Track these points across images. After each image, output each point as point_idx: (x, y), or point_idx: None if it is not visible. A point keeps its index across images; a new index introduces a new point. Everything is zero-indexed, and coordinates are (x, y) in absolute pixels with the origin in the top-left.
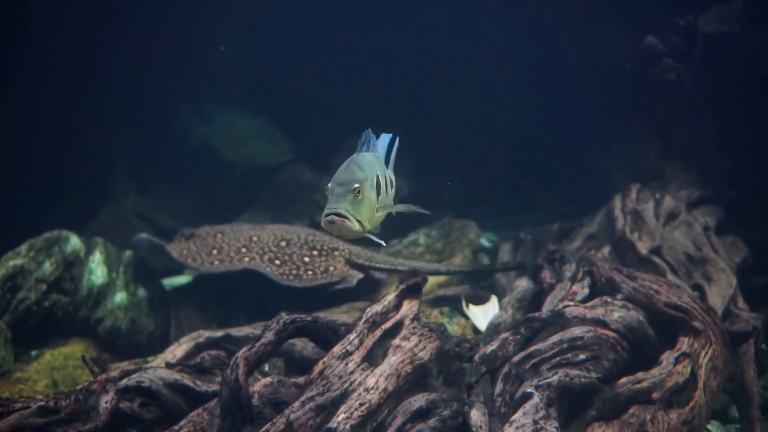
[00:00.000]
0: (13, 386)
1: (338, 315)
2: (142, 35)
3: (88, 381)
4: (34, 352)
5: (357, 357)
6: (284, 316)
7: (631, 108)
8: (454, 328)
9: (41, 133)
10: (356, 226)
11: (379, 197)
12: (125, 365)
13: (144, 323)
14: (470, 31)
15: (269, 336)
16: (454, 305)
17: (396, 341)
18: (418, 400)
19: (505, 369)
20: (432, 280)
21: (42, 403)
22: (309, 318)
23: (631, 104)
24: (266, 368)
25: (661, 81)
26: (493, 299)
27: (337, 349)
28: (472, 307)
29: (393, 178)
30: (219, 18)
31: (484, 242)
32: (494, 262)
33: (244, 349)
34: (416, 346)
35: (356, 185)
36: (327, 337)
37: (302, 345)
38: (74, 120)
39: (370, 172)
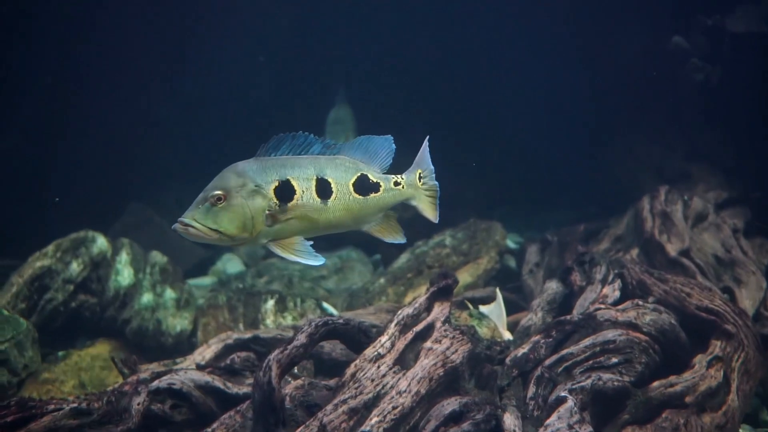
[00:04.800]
0: (41, 387)
1: (365, 316)
2: (166, 41)
3: (119, 382)
4: (60, 353)
5: (389, 360)
6: (316, 318)
7: (656, 108)
8: (483, 330)
9: (66, 133)
10: (208, 235)
11: (296, 202)
12: (154, 366)
13: (170, 324)
14: (490, 31)
15: (301, 338)
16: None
17: (428, 344)
18: (451, 404)
19: (538, 372)
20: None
21: (74, 404)
22: (341, 320)
23: (656, 104)
24: (295, 370)
25: (688, 81)
26: (498, 297)
27: (368, 352)
28: (481, 307)
29: (378, 180)
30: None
31: (510, 243)
32: None
33: (277, 351)
34: (448, 348)
35: (217, 192)
36: (358, 339)
37: (330, 347)
38: (98, 119)
39: (266, 177)
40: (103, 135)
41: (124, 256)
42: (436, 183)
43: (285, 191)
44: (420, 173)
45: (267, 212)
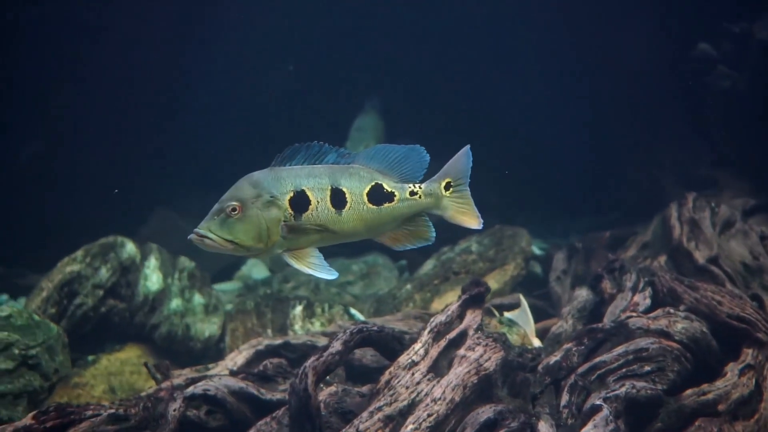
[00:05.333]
0: (71, 391)
1: (394, 323)
2: (193, 47)
3: (150, 387)
4: (90, 357)
5: (423, 367)
6: (350, 326)
7: (682, 115)
8: (513, 337)
9: (92, 139)
10: (223, 245)
11: (311, 213)
12: (187, 372)
13: (199, 329)
14: (515, 38)
15: (337, 346)
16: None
17: (461, 351)
18: (486, 412)
19: (571, 380)
20: None
21: (112, 410)
22: (375, 327)
23: (682, 111)
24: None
25: (715, 88)
26: (524, 304)
27: (403, 359)
28: (506, 314)
29: (393, 190)
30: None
31: (535, 250)
32: None
33: (312, 358)
34: (481, 356)
35: (233, 204)
36: (392, 346)
37: (361, 353)
38: (124, 124)
39: (281, 187)
40: (129, 141)
41: (152, 261)
42: (468, 191)
43: (300, 202)
44: (449, 182)
45: (282, 223)
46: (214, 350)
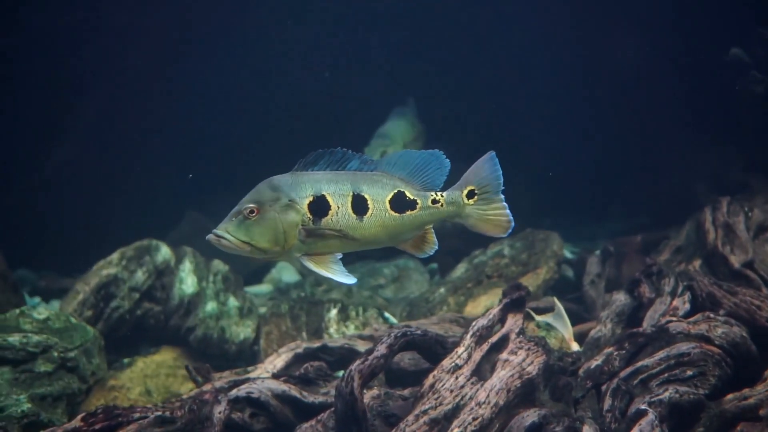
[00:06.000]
0: (108, 393)
1: (429, 326)
2: (226, 51)
3: (196, 390)
4: (125, 360)
5: (466, 371)
6: (394, 329)
7: (714, 119)
8: (552, 341)
9: (123, 143)
10: (240, 247)
11: (330, 218)
12: (227, 375)
13: (234, 332)
14: (540, 38)
15: (381, 349)
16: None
17: (504, 355)
18: (531, 416)
19: (614, 384)
20: None
21: (159, 412)
22: (419, 331)
23: (714, 115)
24: None
25: (747, 93)
26: (560, 308)
27: (446, 363)
28: (538, 317)
29: (416, 198)
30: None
31: (567, 254)
32: None
33: (358, 362)
34: (524, 360)
35: (250, 206)
36: (435, 350)
37: (399, 357)
38: (155, 128)
39: (300, 192)
40: (159, 144)
41: (187, 265)
42: (498, 198)
43: (319, 206)
44: (472, 189)
45: (300, 227)
46: (248, 353)
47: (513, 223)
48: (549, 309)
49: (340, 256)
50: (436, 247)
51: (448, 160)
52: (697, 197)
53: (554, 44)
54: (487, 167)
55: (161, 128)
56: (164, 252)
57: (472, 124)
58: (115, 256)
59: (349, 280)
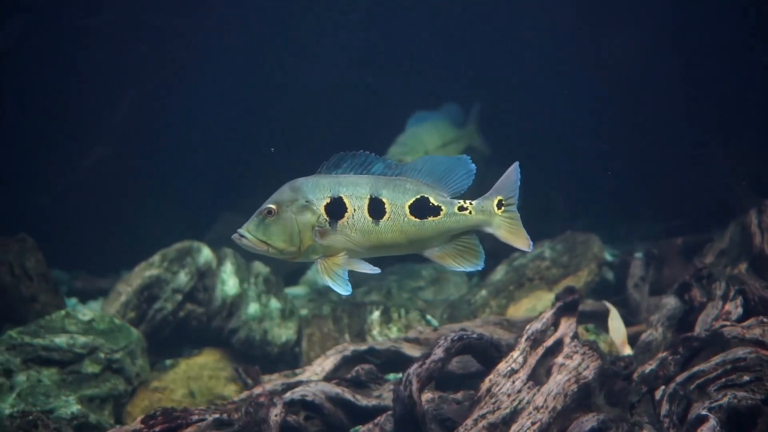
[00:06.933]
0: (152, 395)
1: (474, 329)
2: (262, 49)
3: (246, 393)
4: (168, 362)
5: (522, 375)
6: (450, 333)
7: (754, 121)
8: (601, 345)
9: (160, 143)
10: (258, 246)
11: (346, 220)
12: (275, 377)
13: (276, 334)
14: (580, 36)
15: (438, 353)
16: (596, 322)
17: (559, 359)
18: (590, 420)
19: (670, 389)
20: None
21: (217, 415)
22: (475, 335)
23: (754, 117)
24: None
25: None
26: (614, 312)
27: (502, 367)
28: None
29: (440, 204)
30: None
31: (607, 256)
32: None
33: (415, 366)
34: (580, 364)
35: (270, 206)
36: (490, 354)
37: None
38: (189, 127)
39: (318, 193)
40: (193, 145)
41: (228, 266)
42: (516, 210)
43: (336, 208)
44: (501, 200)
45: (316, 228)
46: (289, 355)
47: (531, 242)
48: (599, 312)
49: (364, 263)
50: (482, 264)
51: (473, 165)
52: (735, 199)
53: (590, 45)
54: (513, 178)
55: (195, 129)
56: (206, 253)
57: (509, 125)
58: (156, 257)
59: (345, 291)
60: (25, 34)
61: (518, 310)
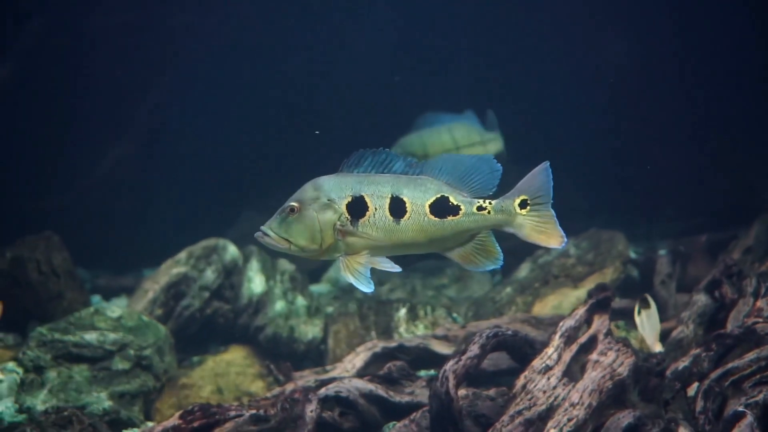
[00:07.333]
0: (180, 392)
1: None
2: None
3: (278, 389)
4: (195, 358)
5: (557, 371)
6: (485, 329)
7: None
8: (633, 341)
9: (177, 142)
10: (280, 244)
11: (367, 219)
12: (306, 374)
13: (302, 331)
14: (604, 35)
15: (474, 349)
16: (625, 319)
17: (594, 356)
18: (626, 417)
19: (705, 386)
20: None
21: (253, 411)
22: (510, 332)
23: None
24: None
25: None
26: (653, 307)
27: (536, 363)
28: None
29: (459, 203)
30: None
31: (631, 254)
32: None
33: (451, 362)
34: (614, 361)
35: (292, 204)
36: (524, 350)
37: None
38: (211, 126)
39: (340, 192)
40: (216, 143)
41: (254, 264)
42: (550, 209)
43: (357, 207)
44: (525, 199)
45: (338, 226)
46: (315, 352)
47: (566, 239)
48: (624, 309)
49: (387, 261)
50: (501, 261)
51: (499, 165)
52: (758, 197)
53: (612, 43)
54: (540, 178)
55: (218, 127)
56: (232, 251)
57: (530, 125)
58: (182, 255)
59: (368, 288)
60: (49, 32)
61: (544, 308)
